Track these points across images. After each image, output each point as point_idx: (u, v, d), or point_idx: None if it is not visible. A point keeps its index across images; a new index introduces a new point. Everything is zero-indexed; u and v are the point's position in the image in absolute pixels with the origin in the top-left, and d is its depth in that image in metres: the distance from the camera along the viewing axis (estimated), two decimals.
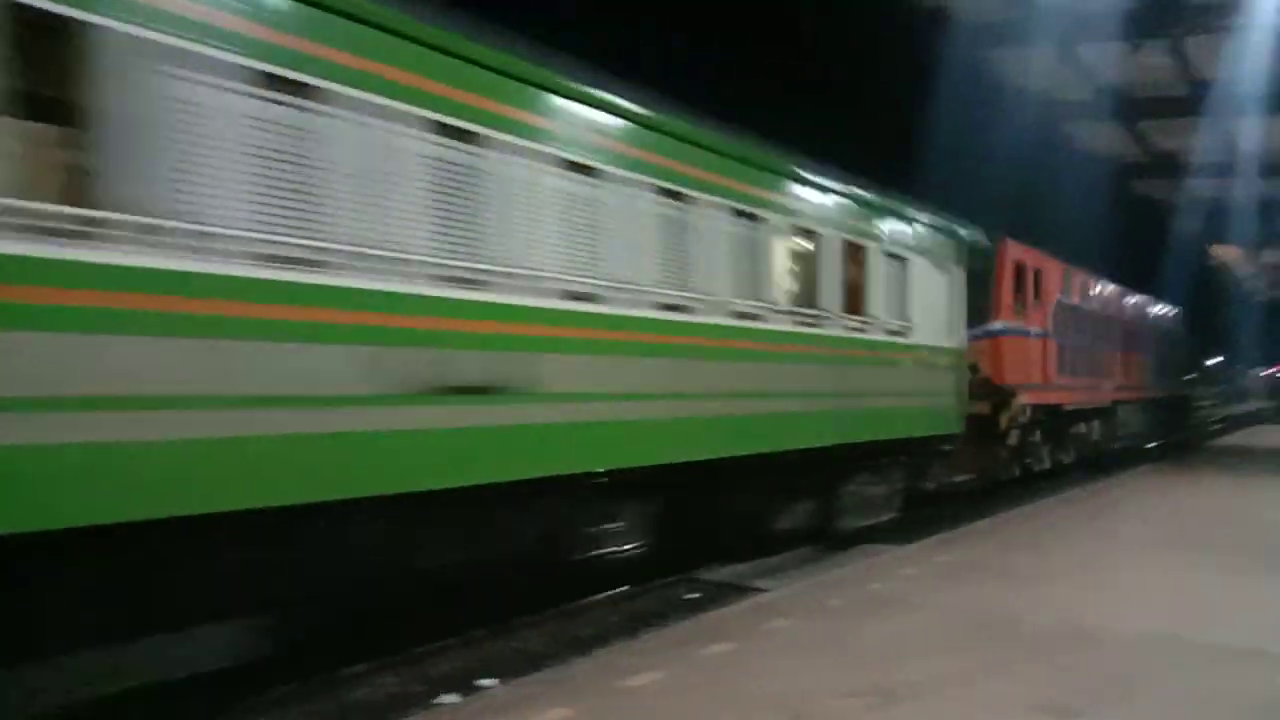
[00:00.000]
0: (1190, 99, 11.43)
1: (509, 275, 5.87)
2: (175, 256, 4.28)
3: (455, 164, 5.62)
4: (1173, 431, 25.51)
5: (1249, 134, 13.37)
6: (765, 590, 7.50)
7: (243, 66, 4.59)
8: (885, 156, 12.14)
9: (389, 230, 5.23)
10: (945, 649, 5.60)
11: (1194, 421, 29.98)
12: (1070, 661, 5.34)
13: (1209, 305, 37.20)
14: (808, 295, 8.79)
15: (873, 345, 9.73)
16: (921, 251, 10.76)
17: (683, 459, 7.13)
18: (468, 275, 5.64)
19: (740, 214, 7.90)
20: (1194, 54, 10.47)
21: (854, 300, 9.42)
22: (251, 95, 4.64)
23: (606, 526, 7.14)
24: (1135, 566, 8.22)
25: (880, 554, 8.93)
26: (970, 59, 11.66)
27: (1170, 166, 15.39)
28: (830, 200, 9.21)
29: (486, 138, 5.78)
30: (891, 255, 10.17)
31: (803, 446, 8.59)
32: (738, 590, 7.84)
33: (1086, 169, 15.78)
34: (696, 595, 7.76)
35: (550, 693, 4.86)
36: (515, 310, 5.92)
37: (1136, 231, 26.23)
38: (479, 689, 5.42)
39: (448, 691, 5.61)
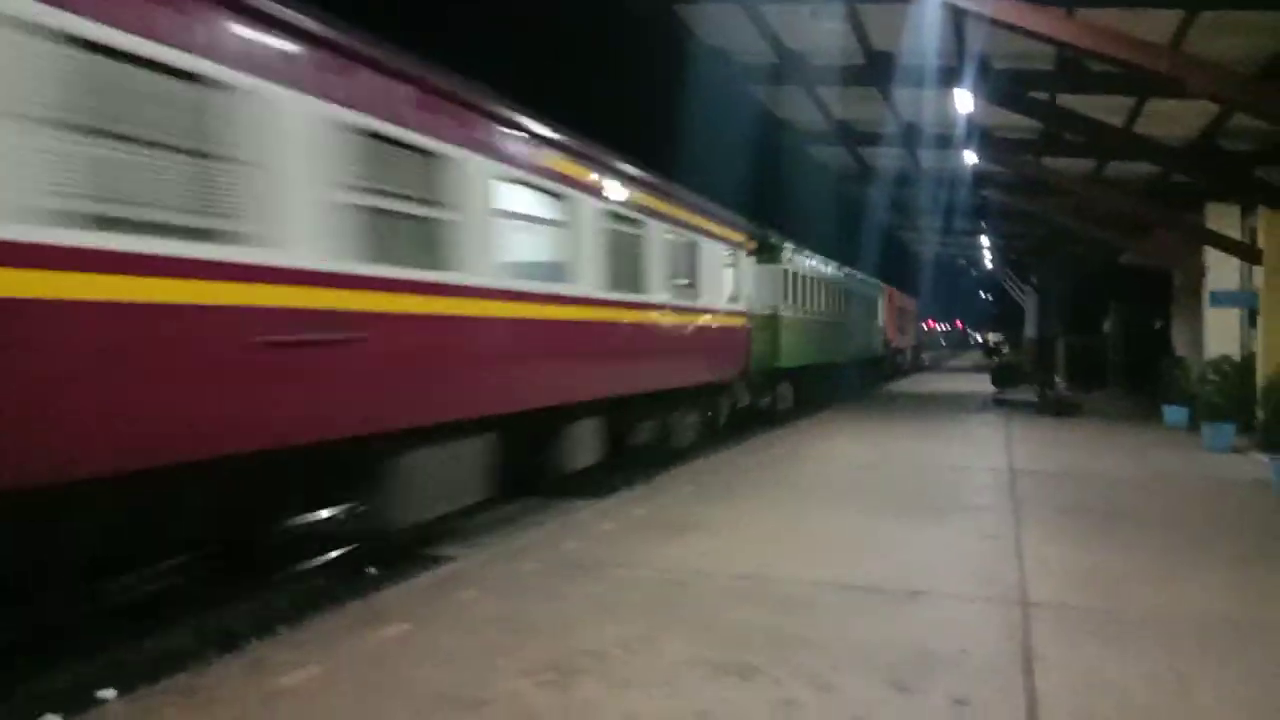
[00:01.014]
0: (869, 69, 11.91)
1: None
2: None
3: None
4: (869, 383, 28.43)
5: (926, 106, 14.25)
6: (453, 559, 7.00)
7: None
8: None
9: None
10: (636, 612, 5.39)
11: (885, 373, 33.05)
12: (754, 617, 5.30)
13: (899, 269, 40.98)
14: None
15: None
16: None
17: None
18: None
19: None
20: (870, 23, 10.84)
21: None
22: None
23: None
24: (810, 514, 8.52)
25: (579, 510, 8.70)
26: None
27: (854, 136, 16.16)
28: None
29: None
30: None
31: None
32: (427, 560, 7.30)
33: (778, 137, 16.45)
34: (373, 570, 7.11)
35: (178, 702, 4.12)
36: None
37: (830, 202, 27.99)
38: (95, 702, 4.54)
39: (57, 709, 4.68)
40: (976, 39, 10.02)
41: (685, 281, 12.68)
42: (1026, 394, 22.48)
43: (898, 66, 11.25)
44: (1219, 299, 15.62)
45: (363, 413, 6.31)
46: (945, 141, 15.06)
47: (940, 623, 5.28)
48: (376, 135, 6.51)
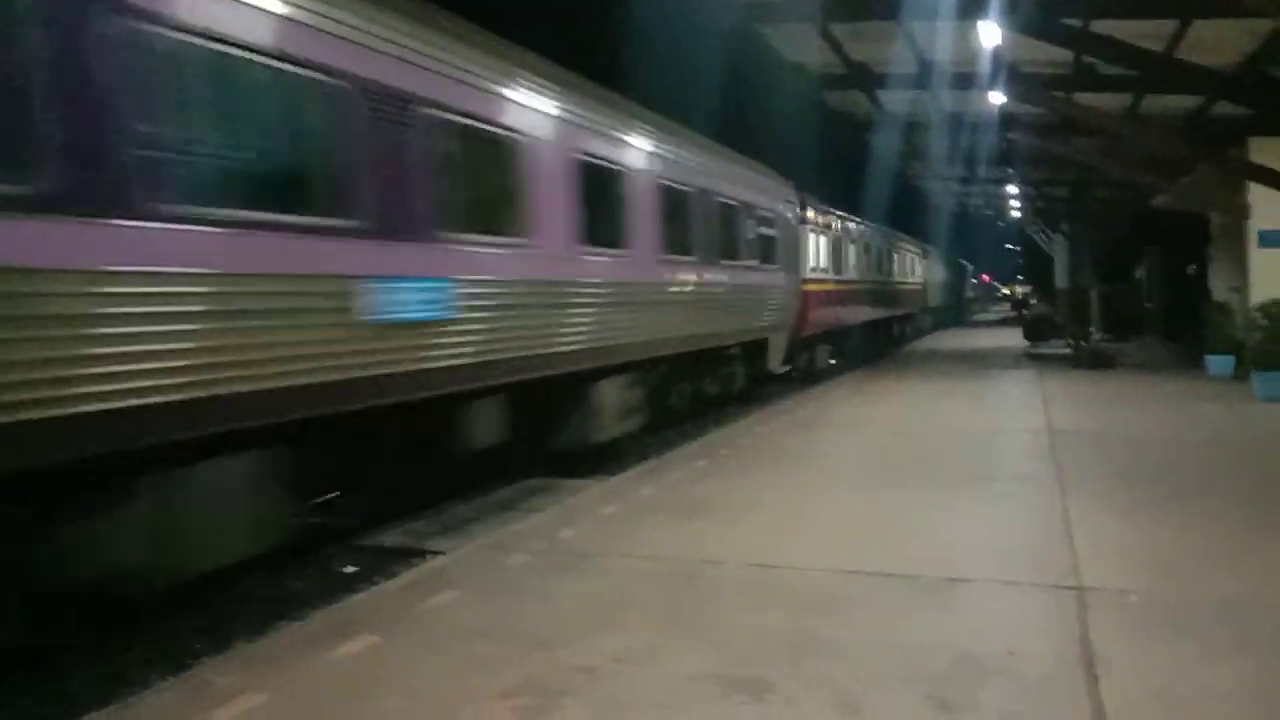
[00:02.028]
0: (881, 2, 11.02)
1: None
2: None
3: None
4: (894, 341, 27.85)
5: (941, 42, 13.30)
6: (439, 553, 6.37)
7: None
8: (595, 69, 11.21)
9: None
10: (636, 615, 4.74)
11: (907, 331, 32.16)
12: (770, 617, 4.63)
13: (914, 221, 39.81)
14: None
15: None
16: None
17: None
18: None
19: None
20: None
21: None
22: None
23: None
24: (835, 489, 7.82)
25: (581, 490, 8.06)
26: None
27: (865, 78, 15.23)
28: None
29: None
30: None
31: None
32: (409, 555, 6.67)
33: (785, 78, 15.53)
34: (352, 568, 6.48)
35: None
36: None
37: (837, 146, 26.95)
38: None
39: None
40: None
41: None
42: (1060, 347, 21.60)
43: None
44: (1269, 238, 14.64)
45: None
46: (969, 81, 14.11)
47: (985, 617, 4.60)
48: None
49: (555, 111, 8.20)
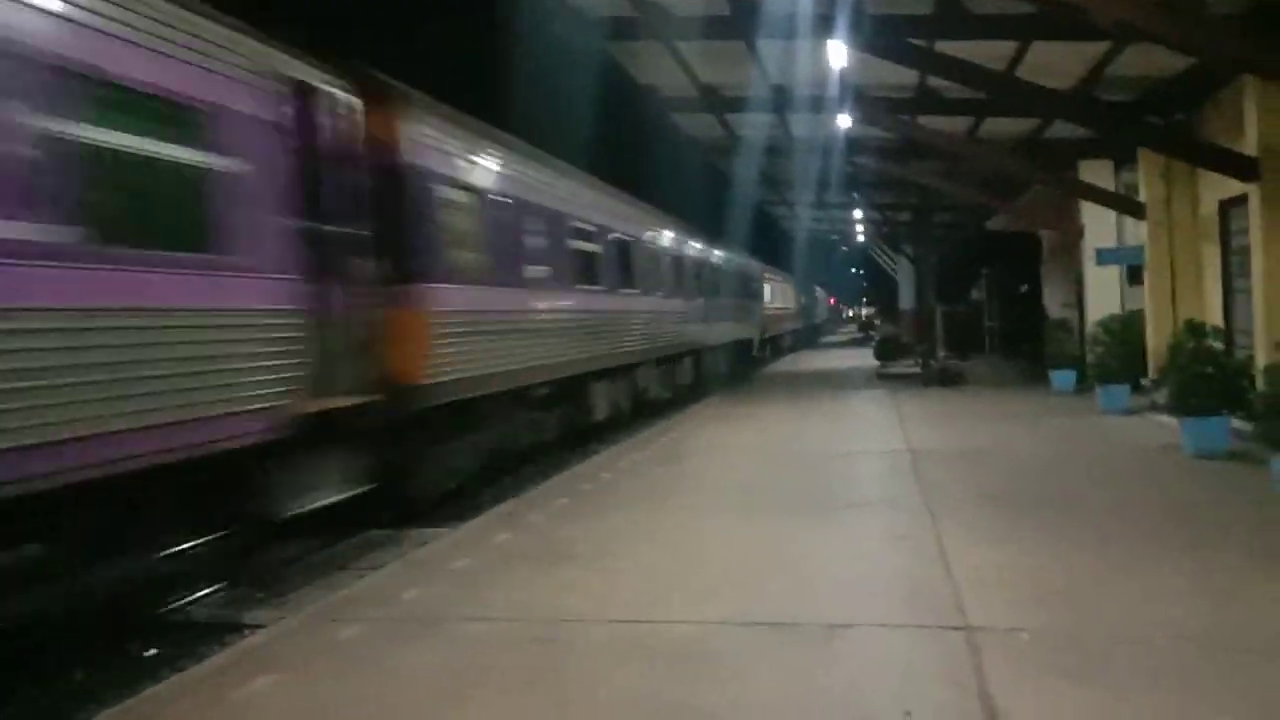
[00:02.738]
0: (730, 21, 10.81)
1: None
2: None
3: None
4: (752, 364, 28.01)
5: (790, 66, 13.26)
6: (258, 627, 5.55)
7: None
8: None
9: None
10: (487, 690, 4.10)
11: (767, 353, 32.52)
12: (636, 682, 4.08)
13: (771, 246, 40.46)
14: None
15: None
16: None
17: None
18: None
19: None
20: None
21: None
22: None
23: None
24: (699, 524, 7.36)
25: (430, 541, 7.33)
26: None
27: (716, 102, 15.09)
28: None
29: None
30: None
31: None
32: (224, 630, 5.79)
33: (638, 102, 15.28)
34: (152, 651, 5.57)
35: None
36: None
37: (699, 176, 26.98)
38: None
39: None
40: None
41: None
42: (909, 366, 22.06)
43: (764, 15, 10.16)
44: (1106, 256, 15.23)
45: None
46: (817, 104, 14.16)
47: (874, 670, 4.17)
48: None
49: None
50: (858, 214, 31.88)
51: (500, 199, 10.16)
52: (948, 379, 19.05)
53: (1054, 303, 23.28)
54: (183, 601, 6.36)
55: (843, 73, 11.73)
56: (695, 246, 21.12)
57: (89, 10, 5.12)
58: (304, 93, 7.01)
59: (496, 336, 9.71)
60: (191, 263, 5.76)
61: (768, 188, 26.29)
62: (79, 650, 5.45)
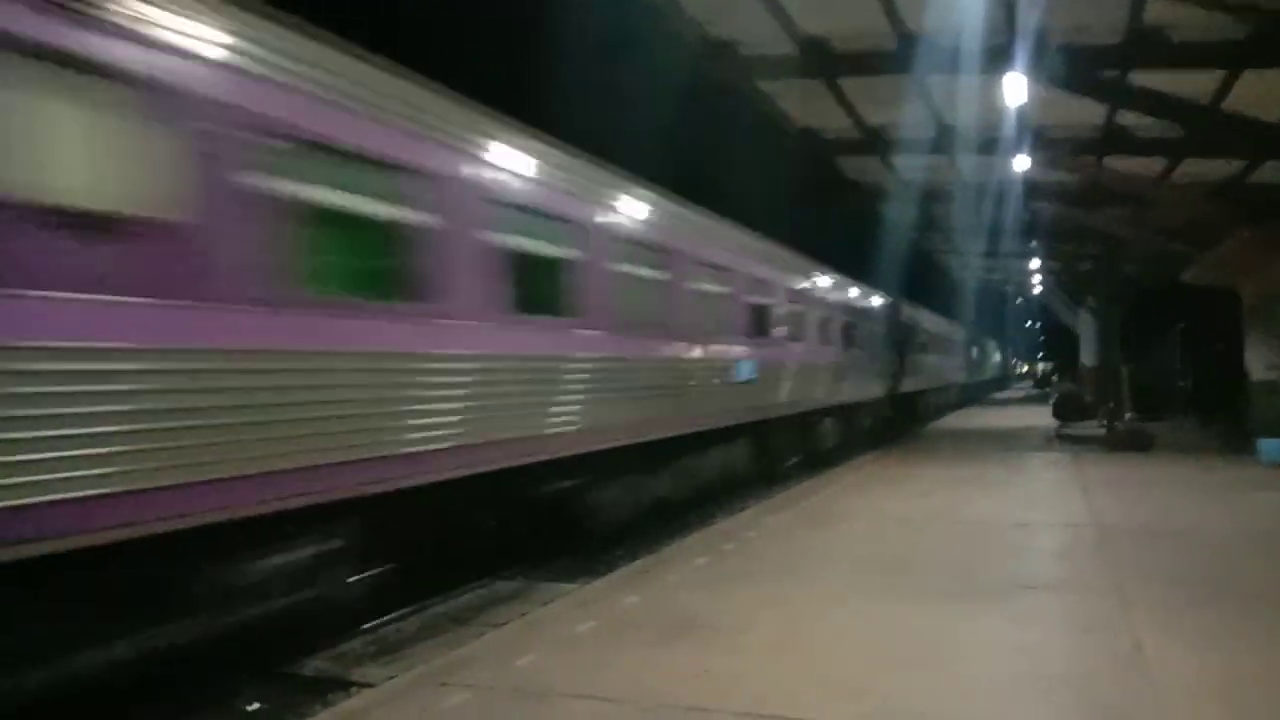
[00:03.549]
0: (897, 55, 10.17)
1: None
2: None
3: None
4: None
5: (961, 103, 12.46)
6: (366, 685, 5.22)
7: None
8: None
9: None
10: None
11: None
12: None
13: (937, 295, 38.82)
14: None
15: None
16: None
17: None
18: None
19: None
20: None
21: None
22: None
23: None
24: (846, 605, 6.60)
25: (554, 599, 6.91)
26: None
27: (880, 143, 14.39)
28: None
29: None
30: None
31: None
32: (331, 686, 5.50)
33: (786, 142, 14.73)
34: (256, 705, 5.32)
35: None
36: None
37: (849, 214, 26.15)
38: None
39: None
40: (1032, 5, 8.23)
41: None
42: (1091, 428, 20.37)
43: (931, 46, 9.50)
44: None
45: None
46: (991, 146, 13.25)
47: None
48: None
49: None
50: (1035, 263, 30.09)
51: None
52: (1136, 443, 17.35)
53: (1257, 362, 21.07)
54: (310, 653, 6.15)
55: (1020, 110, 10.86)
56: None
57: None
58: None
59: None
60: None
61: (937, 235, 25.14)
62: (184, 694, 5.28)
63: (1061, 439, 19.99)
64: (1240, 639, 5.30)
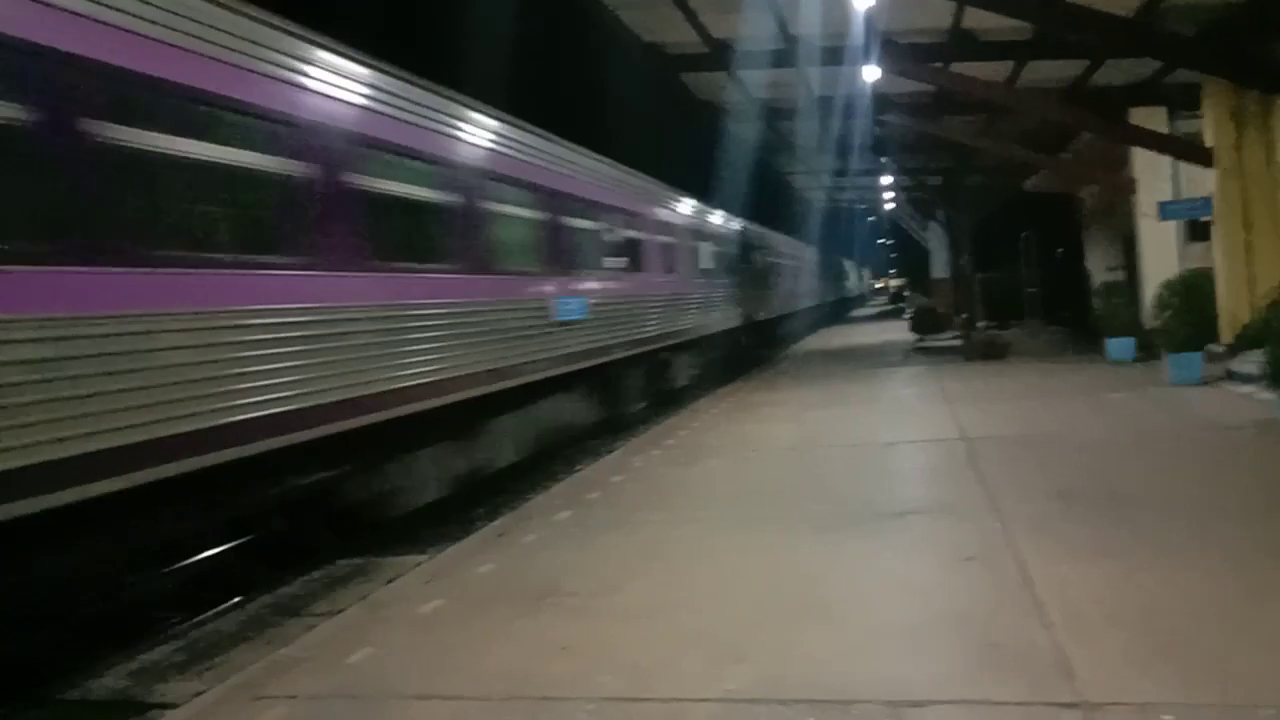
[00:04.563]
0: None
1: None
2: None
3: None
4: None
5: (807, 12, 11.94)
6: (168, 707, 4.42)
7: None
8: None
9: None
10: None
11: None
12: None
13: (789, 217, 38.88)
14: None
15: None
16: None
17: None
18: None
19: None
20: None
21: None
22: None
23: None
24: (718, 549, 6.12)
25: (403, 572, 6.20)
26: None
27: (725, 56, 13.79)
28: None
29: None
30: None
31: None
32: (124, 712, 4.66)
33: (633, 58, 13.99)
34: None
35: None
36: None
37: (695, 135, 25.46)
38: None
39: None
40: None
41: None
42: (947, 339, 20.72)
43: None
44: (1170, 210, 13.76)
45: None
46: (838, 56, 12.84)
47: None
48: None
49: None
50: (885, 180, 30.39)
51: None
52: (993, 351, 17.66)
53: (1098, 266, 21.81)
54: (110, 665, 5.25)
55: (868, 13, 10.41)
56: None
57: None
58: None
59: None
60: None
61: (788, 155, 24.90)
62: None
63: (920, 352, 20.26)
64: (1121, 552, 5.05)
